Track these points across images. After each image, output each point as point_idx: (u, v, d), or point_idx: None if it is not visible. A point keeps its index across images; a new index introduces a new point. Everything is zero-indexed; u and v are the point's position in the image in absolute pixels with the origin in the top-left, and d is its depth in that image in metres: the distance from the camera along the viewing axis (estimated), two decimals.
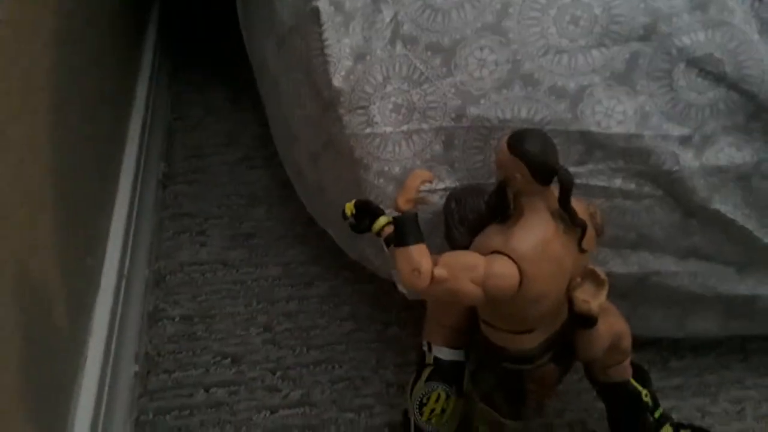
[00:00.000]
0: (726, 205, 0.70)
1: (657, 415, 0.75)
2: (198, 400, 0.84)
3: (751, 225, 0.72)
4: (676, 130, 0.67)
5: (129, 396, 0.82)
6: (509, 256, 0.56)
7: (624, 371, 0.70)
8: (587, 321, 0.61)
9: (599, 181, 0.69)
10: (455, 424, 0.67)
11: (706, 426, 0.83)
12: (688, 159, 0.67)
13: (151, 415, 0.83)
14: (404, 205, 0.56)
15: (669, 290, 0.78)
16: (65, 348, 0.72)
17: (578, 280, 0.59)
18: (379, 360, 0.89)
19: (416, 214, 0.56)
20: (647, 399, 0.72)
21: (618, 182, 0.69)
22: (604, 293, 0.59)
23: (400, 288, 0.75)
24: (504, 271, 0.55)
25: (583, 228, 0.58)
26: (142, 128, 1.10)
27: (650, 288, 0.78)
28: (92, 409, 0.72)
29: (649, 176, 0.69)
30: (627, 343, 0.68)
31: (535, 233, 0.56)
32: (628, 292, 0.79)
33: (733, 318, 0.83)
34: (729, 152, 0.68)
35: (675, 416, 0.82)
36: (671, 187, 0.69)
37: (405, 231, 0.55)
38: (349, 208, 0.59)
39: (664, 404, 0.86)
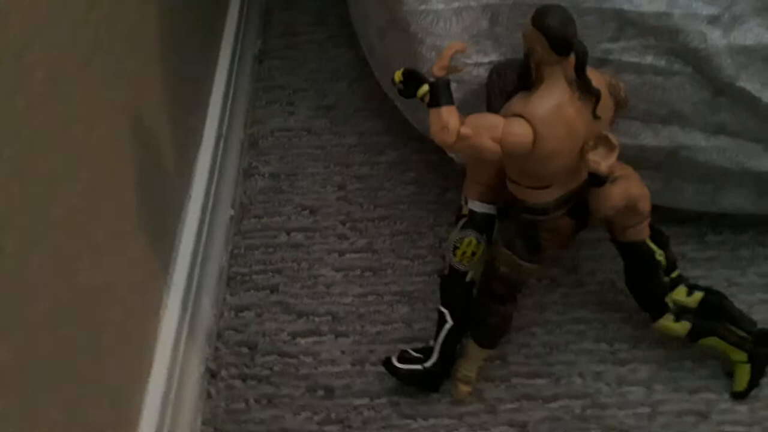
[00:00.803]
0: (753, 84, 0.75)
1: (674, 275, 0.84)
2: (281, 240, 1.00)
3: None
4: (705, 9, 0.71)
5: (225, 233, 0.99)
6: (526, 118, 0.65)
7: (640, 232, 0.78)
8: (598, 180, 0.70)
9: (631, 57, 0.75)
10: (482, 265, 0.78)
11: (729, 294, 0.90)
12: (715, 38, 0.72)
13: (243, 250, 0.99)
14: (438, 72, 0.66)
15: (699, 164, 0.84)
16: (173, 185, 0.88)
17: (591, 143, 0.67)
18: (435, 219, 1.01)
19: (449, 80, 0.66)
20: (661, 258, 0.80)
21: (649, 59, 0.75)
22: (614, 156, 0.67)
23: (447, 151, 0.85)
24: (519, 130, 0.64)
25: (597, 96, 0.66)
26: (240, 5, 1.22)
27: (681, 161, 0.84)
28: (194, 239, 0.89)
29: (679, 54, 0.74)
30: (644, 206, 0.76)
31: (551, 99, 0.65)
32: (660, 165, 0.86)
33: (765, 195, 0.89)
34: (757, 32, 0.72)
35: (702, 284, 0.90)
36: (699, 65, 0.74)
37: (438, 94, 0.65)
38: (398, 75, 0.69)
39: (695, 273, 0.94)
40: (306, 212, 1.03)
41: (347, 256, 0.98)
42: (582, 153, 0.68)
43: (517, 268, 0.76)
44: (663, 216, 0.94)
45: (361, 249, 0.99)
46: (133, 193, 0.76)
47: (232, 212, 1.01)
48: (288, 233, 1.01)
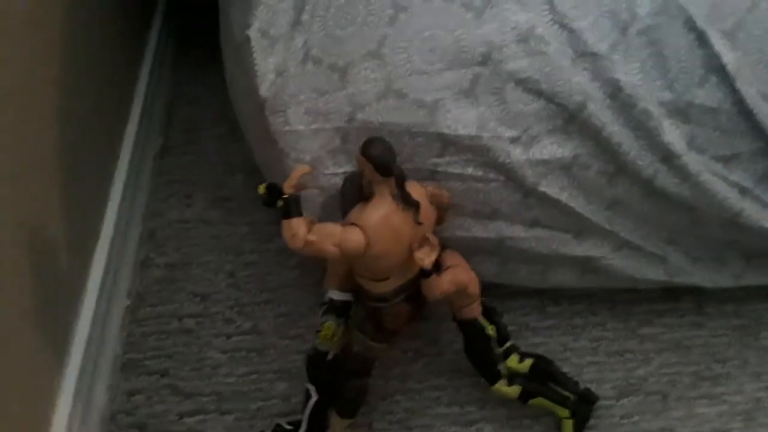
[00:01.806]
0: (553, 188, 0.93)
1: (507, 346, 0.99)
2: (173, 327, 1.11)
3: (576, 203, 0.95)
4: (508, 132, 0.89)
5: (121, 322, 1.10)
6: (360, 226, 0.80)
7: (472, 311, 0.94)
8: (426, 272, 0.85)
9: (455, 169, 0.92)
10: (341, 344, 0.92)
11: (563, 358, 1.06)
12: (517, 154, 0.90)
13: (137, 337, 1.10)
14: (288, 190, 0.80)
15: (524, 251, 1.01)
16: (69, 278, 0.98)
17: (416, 244, 0.82)
18: (317, 300, 1.14)
19: (298, 196, 0.80)
20: (492, 332, 0.95)
21: (469, 170, 0.92)
22: (435, 253, 0.83)
23: None
24: (354, 237, 0.79)
25: (416, 206, 0.82)
26: (144, 101, 1.34)
27: (509, 249, 1.01)
28: (89, 328, 0.99)
29: (491, 166, 0.91)
30: (473, 289, 0.92)
31: (379, 210, 0.80)
32: (493, 251, 1.02)
33: (586, 273, 1.06)
34: (551, 148, 0.90)
35: (541, 350, 1.05)
36: (508, 174, 0.92)
37: (288, 208, 0.79)
38: (261, 188, 0.83)
39: (536, 340, 1.09)
40: (197, 299, 1.15)
41: (233, 338, 1.10)
42: (409, 253, 0.83)
43: (368, 348, 0.90)
44: (510, 291, 1.10)
45: (247, 331, 1.11)
46: (28, 284, 0.86)
47: (128, 302, 1.12)
48: (180, 319, 1.12)
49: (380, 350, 0.90)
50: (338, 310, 0.92)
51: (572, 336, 1.12)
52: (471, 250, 0.98)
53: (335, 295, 0.91)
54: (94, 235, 1.10)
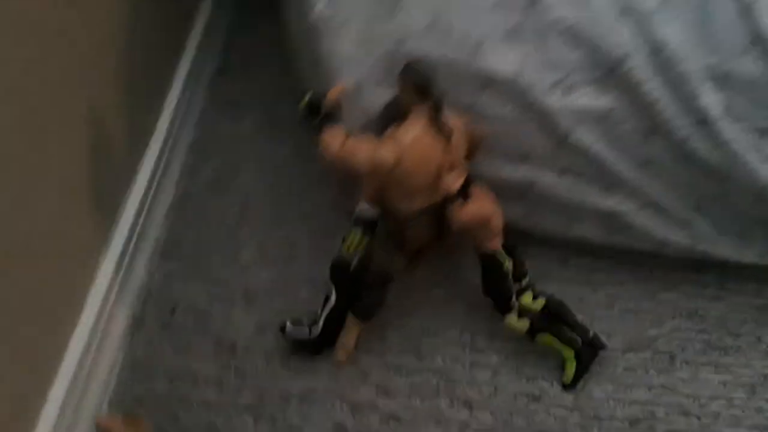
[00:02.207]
0: (586, 138, 0.96)
1: (523, 283, 1.04)
2: (212, 223, 1.19)
3: (608, 157, 0.98)
4: (547, 77, 0.93)
5: (165, 212, 1.18)
6: (392, 143, 0.86)
7: (492, 244, 0.99)
8: (451, 198, 0.90)
9: (492, 109, 0.96)
10: (362, 254, 0.98)
11: (577, 308, 1.09)
12: (554, 99, 0.93)
13: (179, 227, 1.18)
14: (329, 103, 0.86)
15: (551, 198, 1.04)
16: (122, 167, 1.08)
17: (445, 170, 0.88)
18: (349, 221, 1.19)
19: (337, 110, 0.87)
20: (509, 267, 1.00)
21: (506, 111, 0.96)
22: (462, 180, 0.88)
23: None
24: (384, 153, 0.85)
25: (449, 133, 0.87)
26: (205, 27, 1.40)
27: (537, 194, 1.05)
28: (135, 213, 1.09)
29: (528, 109, 0.95)
30: (496, 223, 0.97)
31: (412, 131, 0.85)
32: (521, 196, 1.06)
33: (611, 229, 1.09)
34: (588, 98, 0.93)
35: (558, 297, 1.09)
36: (544, 119, 0.95)
37: (327, 120, 0.86)
38: (304, 101, 0.89)
39: (553, 287, 1.13)
40: (237, 205, 1.23)
41: (267, 243, 1.18)
42: (438, 176, 0.89)
43: (387, 261, 0.96)
44: (534, 240, 1.14)
45: (280, 238, 1.18)
46: (86, 163, 0.95)
47: (173, 196, 1.21)
48: (219, 218, 1.20)
49: (400, 265, 0.96)
50: (365, 223, 0.98)
51: (590, 288, 1.15)
52: (499, 193, 1.01)
53: (364, 209, 0.98)
54: (149, 131, 1.18)
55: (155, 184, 1.15)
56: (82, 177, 0.97)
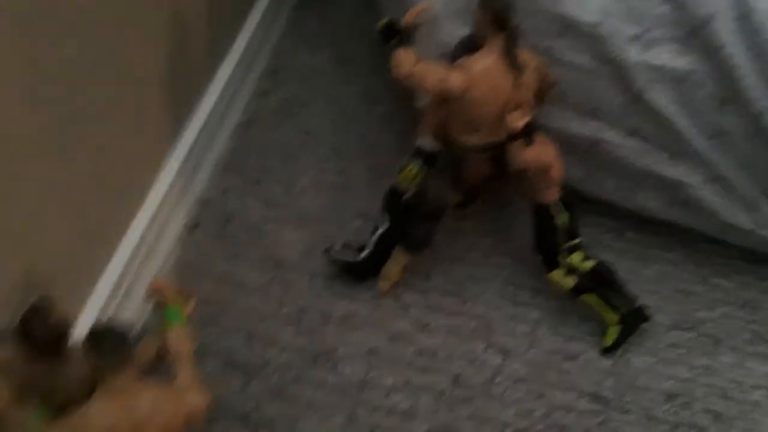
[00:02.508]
0: (660, 99, 0.95)
1: (575, 242, 1.03)
2: (275, 148, 1.21)
3: (680, 121, 0.96)
4: (629, 29, 0.92)
5: (230, 133, 1.22)
6: (463, 71, 0.86)
7: (548, 195, 0.98)
8: (513, 136, 0.90)
9: (568, 56, 0.96)
10: (418, 186, 0.99)
11: (628, 280, 1.07)
12: (632, 53, 0.92)
13: (242, 147, 1.21)
14: (405, 24, 0.87)
15: (615, 160, 1.03)
16: (194, 81, 1.12)
17: (511, 106, 0.88)
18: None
19: (413, 31, 0.87)
20: (562, 222, 1.00)
21: (582, 60, 0.95)
22: (527, 119, 0.88)
23: None
24: (454, 78, 0.86)
25: (521, 68, 0.87)
26: None
27: (601, 154, 1.03)
28: (201, 126, 1.12)
29: (605, 60, 0.94)
30: (555, 173, 0.96)
31: (484, 60, 0.86)
32: (585, 154, 1.05)
33: (673, 202, 1.07)
34: (668, 56, 0.92)
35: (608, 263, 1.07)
36: (619, 73, 0.94)
37: (402, 40, 0.87)
38: (382, 23, 0.91)
39: (606, 256, 1.11)
40: (302, 133, 1.25)
41: (325, 173, 1.20)
42: (503, 111, 0.89)
43: (442, 195, 0.97)
44: (594, 208, 1.13)
45: (338, 170, 1.20)
46: (163, 68, 0.99)
47: (240, 118, 1.24)
48: (282, 144, 1.22)
49: (454, 201, 0.97)
50: (424, 156, 0.99)
51: (643, 263, 1.13)
52: (563, 147, 1.00)
53: (425, 142, 0.99)
54: (226, 51, 1.22)
55: (225, 102, 1.18)
56: (160, 76, 1.00)
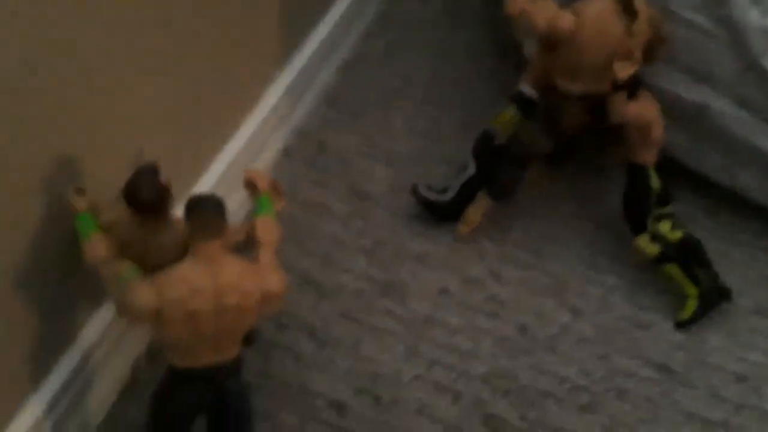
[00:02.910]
0: None
1: (666, 210, 1.01)
2: (372, 89, 1.23)
3: None
4: None
5: (334, 70, 1.24)
6: (574, 14, 0.85)
7: (645, 156, 0.96)
8: (617, 86, 0.89)
9: (685, 13, 0.93)
10: (509, 133, 0.99)
11: (715, 259, 1.04)
12: (753, 16, 0.89)
13: (344, 83, 1.23)
14: None
15: (721, 130, 1.00)
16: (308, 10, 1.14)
17: (618, 55, 0.86)
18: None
19: None
20: (656, 187, 0.97)
21: (700, 19, 0.92)
22: (633, 70, 0.86)
23: None
24: (565, 18, 0.85)
25: (634, 16, 0.85)
26: None
27: (706, 122, 1.00)
28: (305, 62, 1.14)
29: (723, 21, 0.91)
30: (655, 133, 0.94)
31: (596, 4, 0.85)
32: (691, 121, 1.02)
33: None
34: None
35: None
36: (736, 36, 0.91)
37: None
38: None
39: (698, 235, 1.08)
40: (400, 77, 1.26)
41: (418, 119, 1.21)
42: (610, 60, 0.87)
43: (535, 141, 0.96)
44: (691, 185, 1.10)
45: (430, 118, 1.21)
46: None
47: (344, 57, 1.25)
48: (380, 87, 1.24)
49: (544, 148, 0.96)
50: (522, 103, 0.98)
51: (732, 245, 1.09)
52: (667, 112, 0.98)
53: (525, 89, 0.98)
54: None
55: (334, 38, 1.21)
56: (279, 4, 1.03)
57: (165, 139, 0.81)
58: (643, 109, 0.92)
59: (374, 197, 1.11)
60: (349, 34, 1.27)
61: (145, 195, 0.62)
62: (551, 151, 0.99)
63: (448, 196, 1.04)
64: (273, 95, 1.09)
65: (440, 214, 1.06)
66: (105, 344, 0.83)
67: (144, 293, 0.61)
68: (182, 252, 0.65)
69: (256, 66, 1.05)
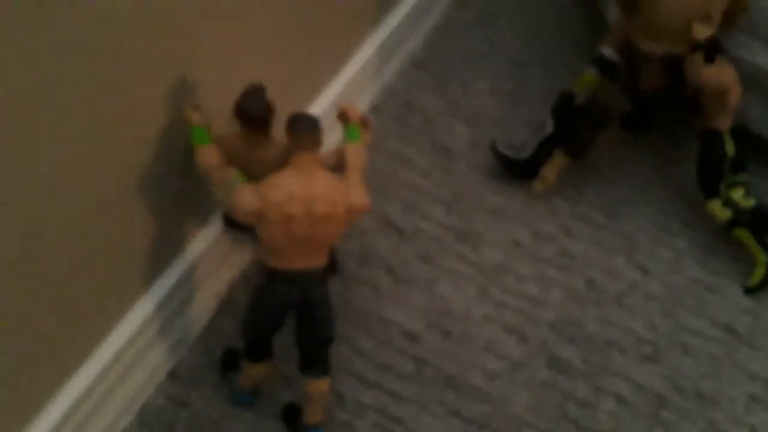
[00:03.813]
0: None
1: (740, 178, 1.03)
2: (458, 52, 1.29)
3: None
4: None
5: (423, 33, 1.31)
6: None
7: (720, 122, 0.99)
8: (695, 47, 0.92)
9: None
10: (591, 94, 1.03)
11: None
12: None
13: (434, 44, 1.31)
14: None
15: None
16: None
17: (698, 16, 0.90)
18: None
19: None
20: (728, 152, 1.00)
21: None
22: (708, 33, 0.90)
23: None
24: None
25: None
26: None
27: None
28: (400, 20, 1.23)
29: None
30: (732, 99, 0.97)
31: None
32: (766, 91, 1.04)
33: None
34: None
35: None
36: None
37: None
38: None
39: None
40: (487, 43, 1.32)
41: (499, 83, 1.26)
42: (689, 20, 0.91)
43: (615, 101, 1.01)
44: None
45: (515, 81, 1.26)
46: None
47: (436, 22, 1.32)
48: (466, 49, 1.30)
49: (624, 108, 1.01)
50: (603, 65, 1.03)
51: None
52: (744, 82, 1.00)
53: (607, 52, 1.03)
54: None
55: (425, 4, 1.28)
56: None
57: (267, 76, 0.90)
58: (720, 73, 0.95)
59: (455, 153, 1.17)
60: (440, 1, 1.34)
61: (254, 109, 0.71)
62: (630, 113, 1.03)
63: (525, 153, 1.09)
64: (365, 53, 1.17)
65: (516, 170, 1.11)
66: (208, 261, 0.94)
67: (249, 196, 0.70)
68: (280, 167, 0.73)
69: (353, 22, 1.13)
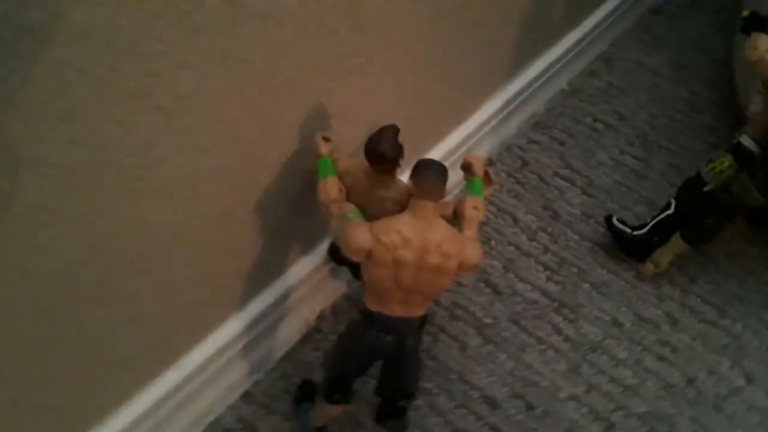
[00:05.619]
0: None
1: None
2: (583, 126, 1.27)
3: None
4: None
5: (551, 97, 1.29)
6: None
7: None
8: None
9: None
10: (720, 183, 0.98)
11: None
12: None
13: (555, 108, 1.28)
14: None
15: None
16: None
17: None
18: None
19: (765, 18, 0.87)
20: None
21: None
22: None
23: None
24: None
25: None
26: None
27: None
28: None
29: None
30: None
31: None
32: None
33: None
34: None
35: None
36: None
37: (764, 28, 0.87)
38: (746, 12, 0.91)
39: None
40: (614, 116, 1.28)
41: (626, 156, 1.23)
42: None
43: (748, 196, 0.95)
44: None
45: (638, 157, 1.22)
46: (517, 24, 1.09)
47: (564, 86, 1.30)
48: (591, 121, 1.27)
49: (757, 202, 0.95)
50: (739, 154, 0.97)
51: None
52: None
53: (745, 141, 0.97)
54: (567, 27, 1.29)
55: (555, 69, 1.26)
56: (518, 25, 1.10)
57: (396, 117, 0.90)
58: None
59: (565, 219, 1.14)
60: (570, 68, 1.32)
61: (386, 149, 0.70)
62: (760, 208, 0.97)
63: (641, 232, 1.05)
64: (490, 107, 1.15)
65: (629, 247, 1.06)
66: (303, 288, 0.93)
67: (363, 233, 0.69)
68: (397, 209, 0.72)
69: (485, 77, 1.12)
